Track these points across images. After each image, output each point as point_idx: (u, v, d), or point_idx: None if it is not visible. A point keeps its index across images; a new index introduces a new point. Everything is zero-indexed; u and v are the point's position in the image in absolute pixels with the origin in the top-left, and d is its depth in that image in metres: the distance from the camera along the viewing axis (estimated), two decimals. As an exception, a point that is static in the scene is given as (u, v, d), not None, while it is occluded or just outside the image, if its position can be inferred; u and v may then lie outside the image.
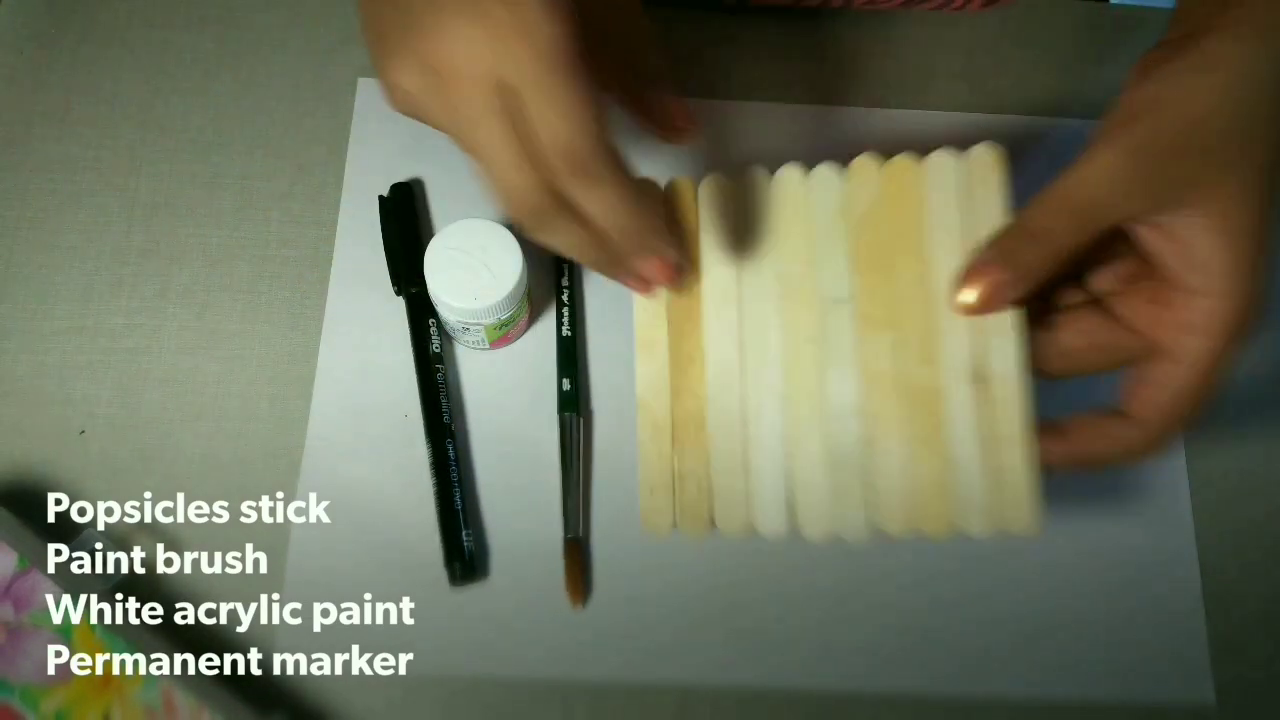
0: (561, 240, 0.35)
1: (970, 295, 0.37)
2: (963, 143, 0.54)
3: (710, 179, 0.43)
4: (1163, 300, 0.36)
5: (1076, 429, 0.38)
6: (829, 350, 0.41)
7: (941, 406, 0.40)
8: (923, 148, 0.55)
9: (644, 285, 0.38)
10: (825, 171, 0.42)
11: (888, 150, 0.55)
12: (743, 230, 0.42)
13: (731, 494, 0.42)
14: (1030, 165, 0.54)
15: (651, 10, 0.45)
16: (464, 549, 0.46)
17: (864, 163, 0.42)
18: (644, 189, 0.36)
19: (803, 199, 0.42)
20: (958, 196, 0.41)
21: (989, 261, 0.37)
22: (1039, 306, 0.39)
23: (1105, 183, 0.35)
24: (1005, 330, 0.40)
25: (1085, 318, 0.39)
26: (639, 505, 0.41)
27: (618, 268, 0.37)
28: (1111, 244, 0.37)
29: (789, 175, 0.43)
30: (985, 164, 0.41)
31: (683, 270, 0.39)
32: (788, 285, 0.42)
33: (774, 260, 0.42)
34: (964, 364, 0.40)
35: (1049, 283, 0.37)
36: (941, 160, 0.41)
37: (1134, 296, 0.38)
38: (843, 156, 0.55)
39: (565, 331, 0.50)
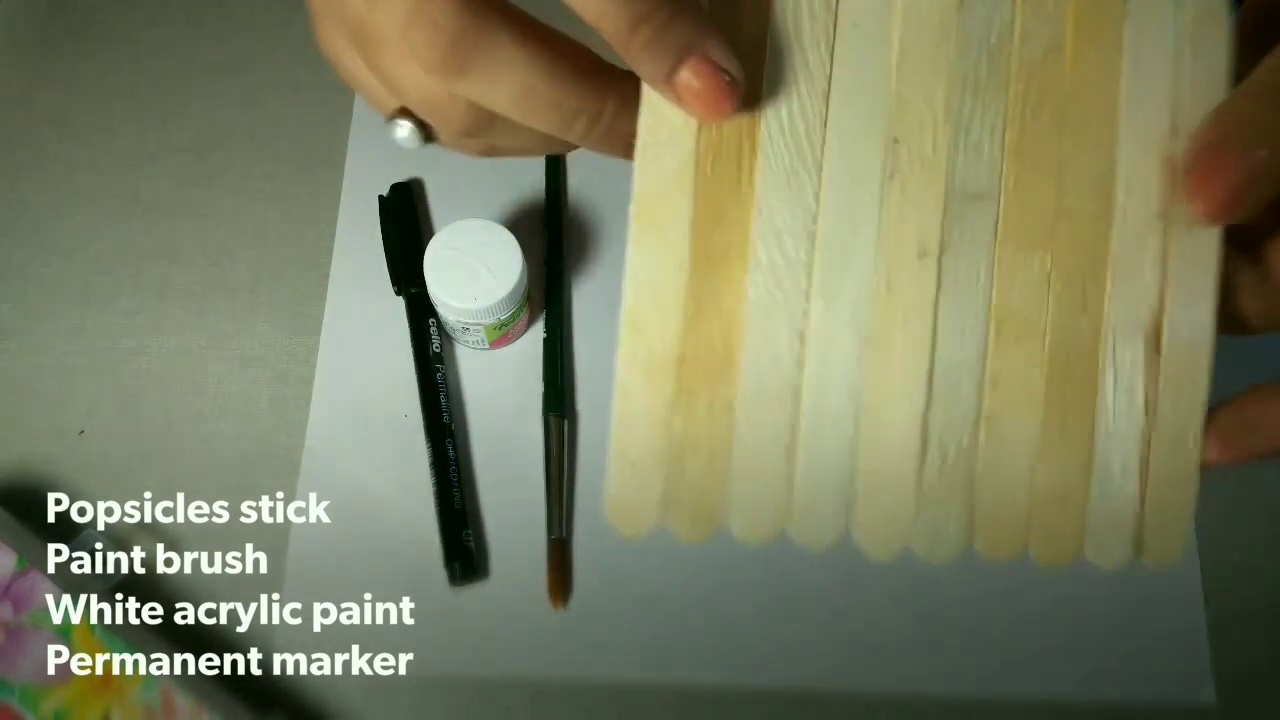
0: (513, 89, 0.24)
1: (1203, 197, 0.25)
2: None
3: None
4: None
5: (1257, 402, 0.27)
6: (950, 271, 0.28)
7: (1095, 376, 0.28)
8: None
9: (707, 94, 0.24)
10: None
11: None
12: (841, 52, 0.27)
13: (762, 483, 0.28)
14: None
15: None
16: (464, 549, 0.46)
17: None
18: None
19: (949, 17, 0.27)
20: (1167, 61, 0.27)
21: (1223, 141, 0.25)
22: (1241, 232, 0.27)
23: None
24: (1202, 275, 0.27)
25: None
26: (606, 485, 0.27)
27: (605, 96, 0.25)
28: None
29: None
30: (1210, 17, 0.28)
31: (737, 86, 0.24)
32: (900, 155, 0.28)
33: (885, 111, 0.27)
34: (1139, 314, 0.28)
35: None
36: (1154, 4, 0.28)
37: None
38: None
39: (545, 333, 0.49)
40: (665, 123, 0.26)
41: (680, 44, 0.23)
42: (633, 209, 0.27)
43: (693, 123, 0.27)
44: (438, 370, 0.48)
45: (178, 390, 0.49)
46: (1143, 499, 0.29)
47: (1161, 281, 0.28)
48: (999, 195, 0.27)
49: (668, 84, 0.24)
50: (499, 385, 0.49)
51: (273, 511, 0.47)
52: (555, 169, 0.53)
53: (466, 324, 0.46)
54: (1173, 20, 0.27)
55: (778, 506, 0.28)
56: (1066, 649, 0.46)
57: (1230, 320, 0.28)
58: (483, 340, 0.48)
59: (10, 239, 0.51)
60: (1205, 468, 0.28)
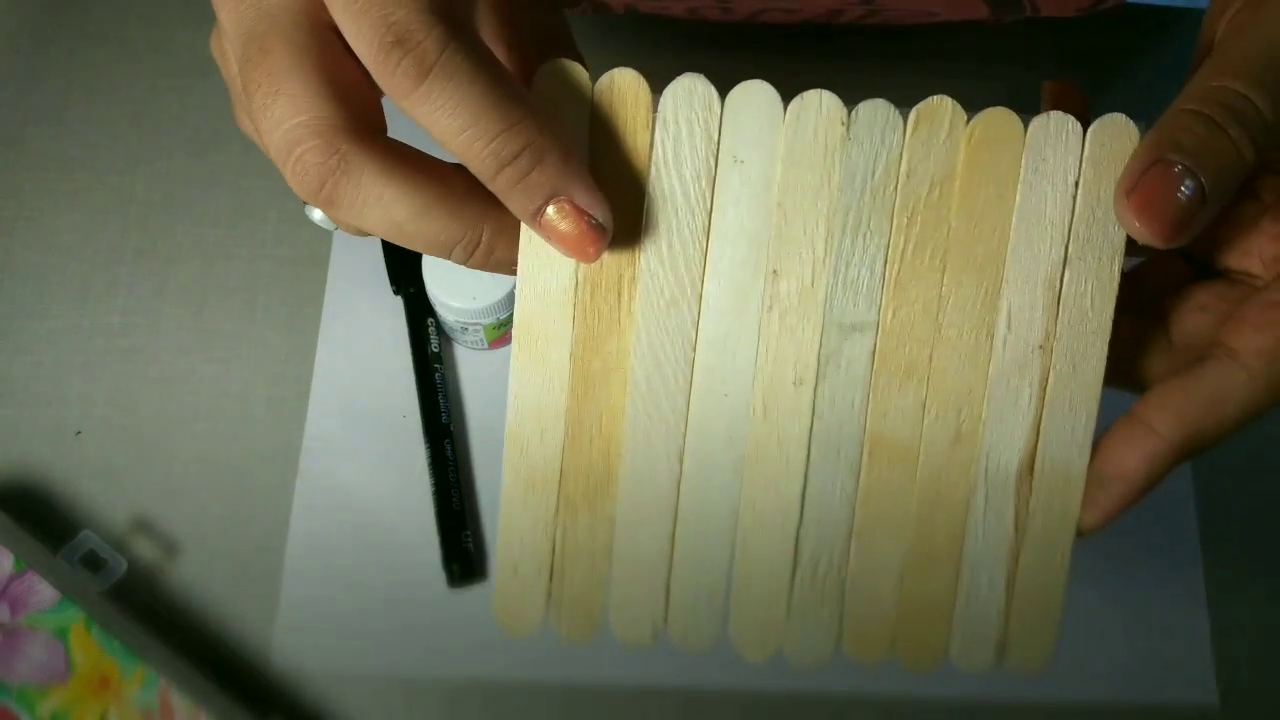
0: (383, 218, 0.23)
1: (1150, 218, 0.25)
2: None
3: (684, 82, 0.27)
4: None
5: (1150, 412, 0.27)
6: (825, 399, 0.28)
7: (966, 497, 0.29)
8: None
9: (573, 238, 0.25)
10: (876, 110, 0.28)
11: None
12: (723, 180, 0.27)
13: (640, 589, 0.29)
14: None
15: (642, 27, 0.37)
16: (463, 550, 0.45)
17: (939, 107, 0.28)
18: (515, 91, 0.23)
19: (833, 148, 0.27)
20: (1067, 195, 0.27)
21: (1168, 159, 0.24)
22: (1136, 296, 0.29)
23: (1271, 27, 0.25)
24: (1082, 405, 0.28)
25: (1199, 292, 0.29)
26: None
27: (499, 242, 0.25)
28: None
29: (817, 102, 0.27)
30: (1122, 133, 0.27)
31: (601, 228, 0.24)
32: (781, 291, 0.28)
33: (768, 242, 0.27)
34: (1013, 444, 0.29)
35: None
36: (1058, 122, 0.27)
37: (1256, 239, 0.27)
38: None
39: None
40: (544, 250, 0.26)
41: (546, 187, 0.23)
42: (514, 331, 0.28)
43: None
44: (436, 370, 0.48)
45: (175, 390, 0.48)
46: (1008, 611, 0.30)
47: (1039, 410, 0.28)
48: (877, 327, 0.28)
49: (534, 223, 0.24)
50: (499, 385, 0.49)
51: (270, 512, 0.46)
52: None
53: (466, 324, 0.46)
54: (1078, 144, 0.27)
55: (655, 612, 0.30)
56: (1069, 650, 0.46)
57: (1135, 383, 0.29)
58: (482, 340, 0.48)
59: (8, 238, 0.50)
60: (1082, 536, 0.29)
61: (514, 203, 0.24)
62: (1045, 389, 0.28)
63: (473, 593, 0.46)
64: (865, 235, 0.28)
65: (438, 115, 0.22)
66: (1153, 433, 0.26)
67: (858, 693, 0.45)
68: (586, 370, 0.28)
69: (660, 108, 0.27)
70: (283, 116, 0.23)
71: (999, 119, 0.27)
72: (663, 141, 0.27)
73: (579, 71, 0.26)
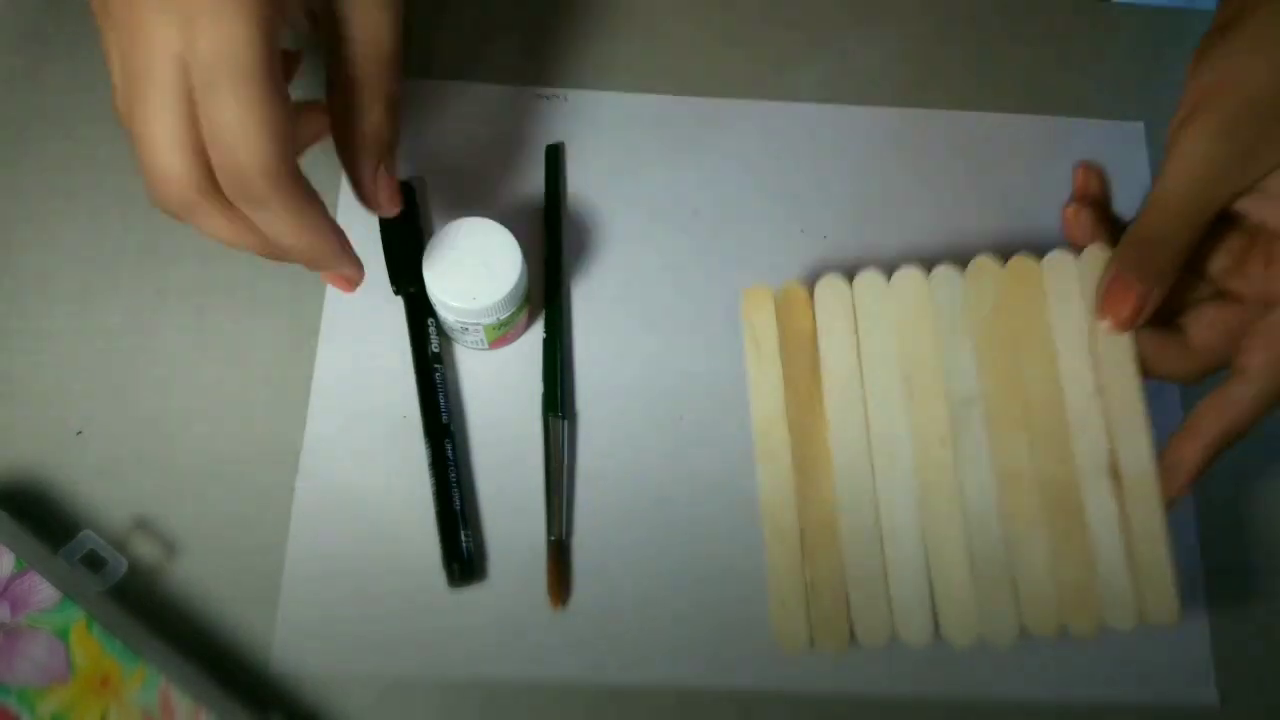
0: (215, 233, 0.35)
1: (1114, 316, 0.39)
2: (963, 144, 0.55)
3: (826, 280, 0.44)
4: (1275, 257, 0.38)
5: (1197, 419, 0.40)
6: (962, 451, 0.42)
7: (1080, 503, 0.41)
8: (931, 148, 0.55)
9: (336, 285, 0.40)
10: (945, 271, 0.43)
11: (887, 149, 0.55)
12: (864, 331, 0.43)
13: (870, 604, 0.41)
14: (1031, 164, 0.54)
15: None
16: (463, 549, 0.45)
17: (983, 264, 0.43)
18: (313, 206, 0.35)
19: (924, 299, 0.43)
20: (1078, 293, 0.42)
21: (1121, 277, 0.39)
22: (1163, 313, 0.40)
23: (1202, 172, 0.37)
24: (1136, 422, 0.41)
25: (1208, 310, 0.40)
26: (770, 621, 0.42)
27: (284, 261, 0.37)
28: (1216, 228, 0.39)
29: (908, 275, 0.43)
30: (1099, 261, 0.42)
31: (357, 281, 0.40)
32: (913, 386, 0.42)
33: (898, 361, 0.43)
34: (1099, 459, 0.41)
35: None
36: (1060, 259, 0.42)
37: (1249, 267, 0.39)
38: (840, 156, 0.55)
39: (545, 333, 0.49)
40: (763, 378, 0.43)
41: (329, 265, 0.38)
42: (755, 439, 0.43)
43: (778, 384, 0.43)
44: (436, 370, 0.48)
45: (176, 390, 0.48)
46: (1135, 581, 0.40)
47: (1109, 434, 0.41)
48: (981, 399, 0.42)
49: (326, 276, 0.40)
50: (499, 385, 0.49)
51: (271, 512, 0.47)
52: (555, 169, 0.53)
53: (466, 324, 0.46)
54: (1074, 269, 0.42)
55: (884, 619, 0.41)
56: (1068, 649, 0.46)
57: (1168, 377, 0.41)
58: (482, 340, 0.48)
59: (8, 238, 0.50)
60: (1172, 507, 0.40)
61: (304, 265, 0.38)
62: (1108, 418, 0.41)
63: (473, 592, 0.46)
64: (958, 339, 0.43)
65: (260, 224, 0.34)
66: (1201, 434, 0.39)
67: (858, 692, 0.45)
68: (804, 459, 0.43)
69: (816, 293, 0.44)
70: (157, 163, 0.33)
71: (1022, 264, 0.43)
72: (821, 314, 0.44)
73: (765, 291, 0.44)
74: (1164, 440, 0.41)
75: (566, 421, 0.48)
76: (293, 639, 0.45)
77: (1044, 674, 0.46)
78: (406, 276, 0.49)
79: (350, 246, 0.38)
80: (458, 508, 0.46)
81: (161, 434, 0.48)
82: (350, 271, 0.38)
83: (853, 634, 0.41)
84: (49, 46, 0.54)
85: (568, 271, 0.51)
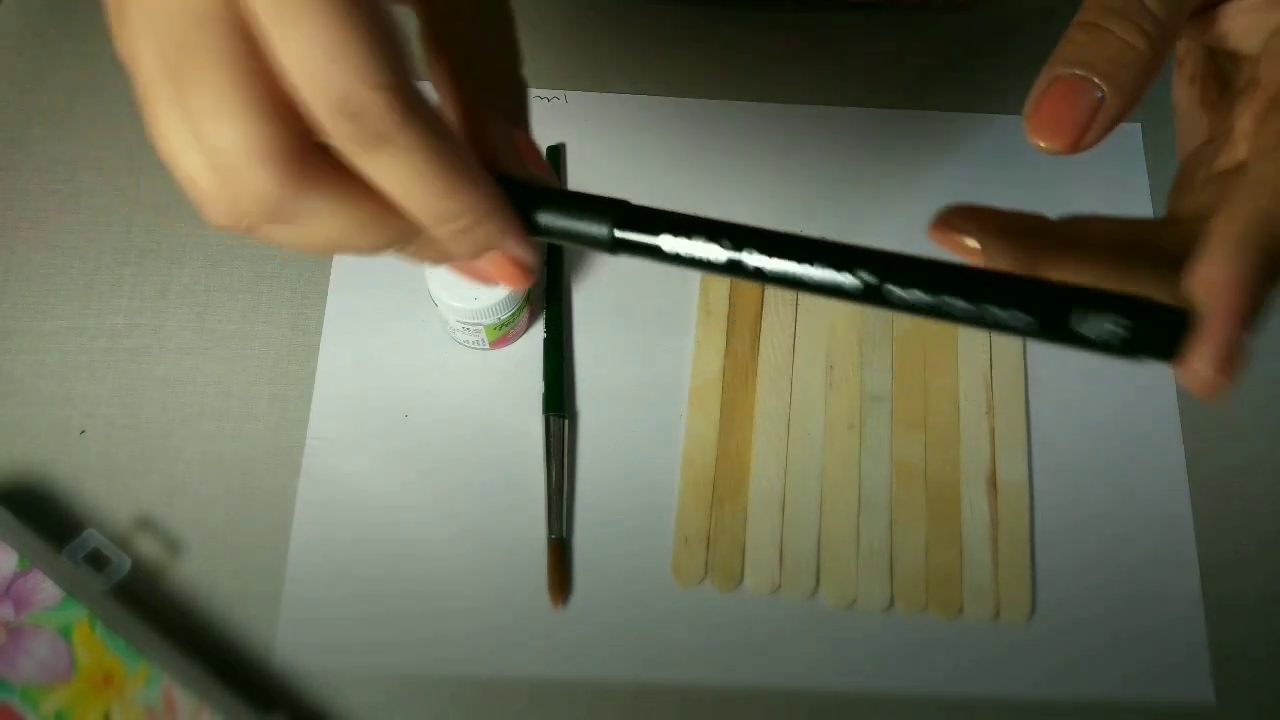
0: (316, 232, 0.23)
1: (1044, 137, 0.26)
2: (957, 146, 0.55)
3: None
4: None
5: (1217, 223, 0.25)
6: (867, 439, 0.48)
7: (959, 503, 0.47)
8: (930, 149, 0.57)
9: (480, 277, 0.27)
10: None
11: (882, 151, 0.55)
12: (803, 322, 0.50)
13: (764, 557, 0.46)
14: (1031, 165, 0.54)
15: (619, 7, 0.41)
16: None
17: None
18: (455, 143, 0.23)
19: (857, 307, 0.48)
20: (983, 331, 0.44)
21: (1071, 78, 0.26)
22: None
23: None
24: (1018, 442, 0.48)
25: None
26: (671, 554, 0.46)
27: (427, 251, 0.25)
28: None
29: None
30: None
31: (528, 269, 0.27)
32: (835, 376, 0.49)
33: (826, 353, 0.49)
34: (981, 468, 0.48)
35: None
36: None
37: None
38: (834, 157, 0.55)
39: (545, 333, 0.50)
40: (709, 340, 0.49)
41: (481, 243, 0.25)
42: (690, 394, 0.49)
43: (721, 349, 0.49)
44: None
45: (178, 390, 0.49)
46: (997, 580, 0.46)
47: (992, 448, 0.48)
48: (891, 398, 0.49)
49: (467, 267, 0.27)
50: (499, 385, 0.49)
51: (273, 510, 0.47)
52: (555, 169, 0.53)
53: (467, 324, 0.46)
54: None
55: (773, 573, 0.46)
56: (1067, 649, 0.46)
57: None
58: (483, 340, 0.48)
59: (12, 239, 0.51)
60: (1206, 394, 0.25)
61: (453, 249, 0.25)
62: (994, 434, 0.48)
63: (474, 591, 0.46)
64: (878, 347, 0.50)
65: (385, 179, 0.22)
66: (1225, 238, 0.24)
67: (857, 692, 0.46)
68: (729, 418, 0.48)
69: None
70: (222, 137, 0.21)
71: None
72: (770, 300, 0.50)
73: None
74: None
75: (566, 421, 0.49)
76: (295, 637, 0.45)
77: (1042, 673, 0.46)
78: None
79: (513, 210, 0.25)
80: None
81: (164, 434, 0.48)
82: (518, 248, 0.25)
83: (742, 579, 0.46)
84: (52, 48, 0.54)
85: (568, 271, 0.51)
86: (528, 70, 0.30)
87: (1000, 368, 0.49)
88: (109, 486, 0.47)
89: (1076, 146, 0.26)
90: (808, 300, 0.50)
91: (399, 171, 0.22)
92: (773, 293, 0.50)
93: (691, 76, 0.55)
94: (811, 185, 0.53)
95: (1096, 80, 0.26)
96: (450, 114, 0.28)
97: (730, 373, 0.49)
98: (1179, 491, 0.49)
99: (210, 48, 0.20)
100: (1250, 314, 0.24)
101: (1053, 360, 0.50)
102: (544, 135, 0.54)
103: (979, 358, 0.49)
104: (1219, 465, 0.50)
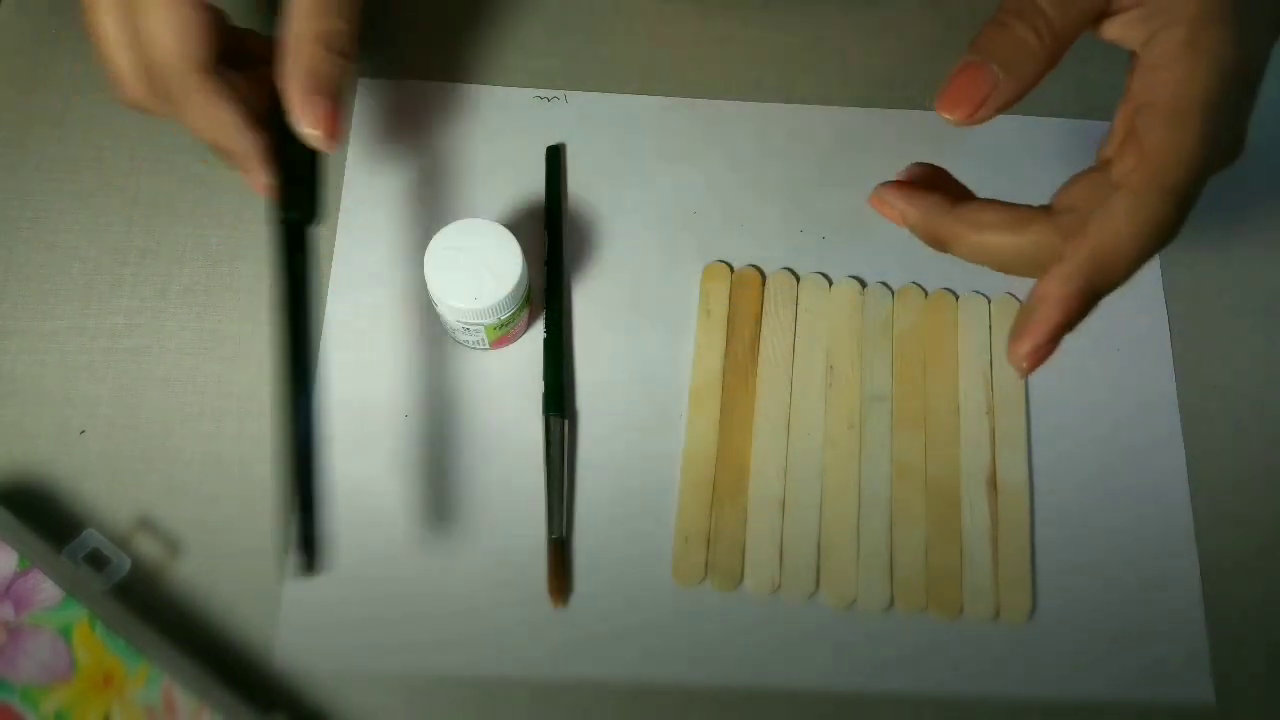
0: (186, 126, 0.40)
1: (960, 109, 0.32)
2: (957, 145, 0.55)
3: (778, 274, 0.50)
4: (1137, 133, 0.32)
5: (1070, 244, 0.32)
6: (867, 440, 0.48)
7: (959, 504, 0.47)
8: (930, 150, 0.56)
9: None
10: (878, 290, 0.50)
11: (883, 150, 0.56)
12: (802, 323, 0.50)
13: (764, 557, 0.46)
14: (1032, 165, 0.54)
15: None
16: (306, 538, 0.38)
17: (910, 290, 0.50)
18: (226, 105, 0.39)
19: (857, 307, 0.50)
20: (985, 329, 0.50)
21: (976, 63, 0.32)
22: None
23: None
24: (1018, 443, 0.48)
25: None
26: (671, 554, 0.46)
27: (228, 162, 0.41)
28: None
29: (848, 285, 0.50)
30: (1008, 308, 0.50)
31: (264, 188, 0.41)
32: (835, 376, 0.49)
33: (825, 354, 0.49)
34: (981, 469, 0.48)
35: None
36: (974, 300, 0.50)
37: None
38: (835, 157, 0.55)
39: (545, 333, 0.50)
40: (708, 341, 0.49)
41: (241, 169, 0.41)
42: (690, 395, 0.48)
43: (721, 349, 0.49)
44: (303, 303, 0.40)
45: (179, 390, 0.49)
46: (996, 580, 0.46)
47: (993, 448, 0.48)
48: (891, 398, 0.49)
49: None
50: (499, 385, 0.49)
51: (273, 511, 0.47)
52: (555, 169, 0.53)
53: (468, 324, 0.46)
54: (986, 308, 0.50)
55: (773, 573, 0.46)
56: (1066, 649, 0.46)
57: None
58: (484, 340, 0.48)
59: (12, 239, 0.51)
60: (1024, 372, 0.35)
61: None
62: (994, 433, 0.48)
63: (474, 591, 0.46)
64: (878, 349, 0.49)
65: (188, 122, 0.39)
66: (1064, 262, 0.32)
67: (857, 692, 0.46)
68: (729, 418, 0.48)
69: (767, 283, 0.50)
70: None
71: (942, 297, 0.50)
72: (770, 300, 0.50)
73: (724, 268, 0.51)
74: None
75: (566, 421, 0.49)
76: (295, 637, 0.45)
77: (1042, 674, 0.46)
78: (294, 197, 0.41)
79: (265, 157, 0.40)
80: (309, 488, 0.39)
81: (164, 433, 0.48)
82: (256, 178, 0.41)
83: (742, 579, 0.46)
84: (53, 48, 0.54)
85: (568, 271, 0.51)
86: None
87: (1000, 368, 0.49)
88: (109, 486, 0.47)
89: (972, 118, 0.32)
90: (807, 300, 0.50)
91: (189, 120, 0.39)
92: (773, 292, 0.50)
93: (691, 76, 0.55)
94: (812, 185, 0.53)
95: (994, 67, 0.32)
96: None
97: (730, 373, 0.49)
98: (1179, 491, 0.49)
99: (103, 6, 0.37)
100: (1063, 328, 0.33)
101: (1053, 361, 0.50)
102: (544, 135, 0.54)
103: (979, 358, 0.49)
104: (1219, 465, 0.50)
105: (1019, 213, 0.34)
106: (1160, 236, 0.32)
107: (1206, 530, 0.48)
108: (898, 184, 0.36)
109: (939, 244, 0.35)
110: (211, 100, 0.38)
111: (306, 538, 0.38)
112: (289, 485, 0.39)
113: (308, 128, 0.39)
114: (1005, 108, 0.32)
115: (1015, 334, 0.34)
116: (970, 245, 0.34)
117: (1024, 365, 0.34)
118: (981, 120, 0.32)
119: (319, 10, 0.40)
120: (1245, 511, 0.49)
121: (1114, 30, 0.33)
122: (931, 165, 0.37)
